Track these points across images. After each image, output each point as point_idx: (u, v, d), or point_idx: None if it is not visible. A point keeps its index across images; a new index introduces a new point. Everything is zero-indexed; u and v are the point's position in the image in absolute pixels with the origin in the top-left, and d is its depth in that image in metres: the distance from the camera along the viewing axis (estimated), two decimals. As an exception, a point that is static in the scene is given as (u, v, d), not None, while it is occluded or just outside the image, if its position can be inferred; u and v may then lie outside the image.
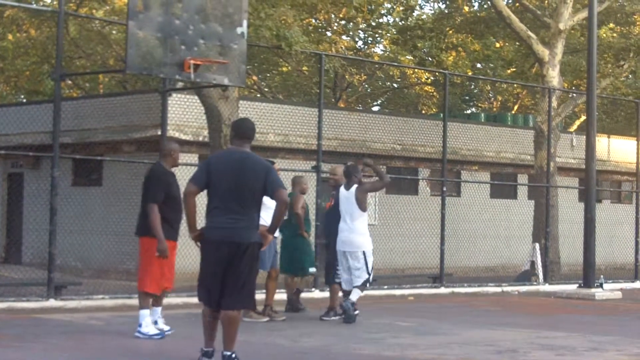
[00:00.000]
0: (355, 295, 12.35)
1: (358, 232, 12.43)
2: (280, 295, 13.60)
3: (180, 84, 16.40)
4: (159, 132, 15.51)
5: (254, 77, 34.42)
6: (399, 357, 9.31)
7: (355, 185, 12.45)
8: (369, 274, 12.49)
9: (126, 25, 12.00)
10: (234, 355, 7.80)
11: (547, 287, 19.57)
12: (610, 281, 20.21)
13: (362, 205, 12.34)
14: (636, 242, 22.23)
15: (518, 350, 10.06)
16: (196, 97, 17.02)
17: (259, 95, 34.43)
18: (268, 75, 38.49)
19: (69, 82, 32.55)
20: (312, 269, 13.46)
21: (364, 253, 12.48)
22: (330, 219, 12.80)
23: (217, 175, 7.80)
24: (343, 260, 12.51)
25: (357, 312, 12.35)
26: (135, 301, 13.15)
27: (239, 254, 7.72)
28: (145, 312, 10.25)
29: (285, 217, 11.70)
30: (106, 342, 10.03)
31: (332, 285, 12.92)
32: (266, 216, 9.07)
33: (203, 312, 7.95)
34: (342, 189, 12.58)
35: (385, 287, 17.96)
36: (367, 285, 12.64)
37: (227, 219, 7.74)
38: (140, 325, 10.23)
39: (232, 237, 7.72)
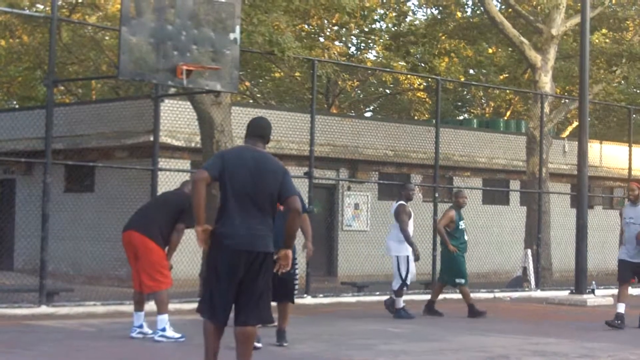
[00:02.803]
0: (396, 302, 14.08)
1: (391, 238, 14.04)
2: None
3: (172, 90, 16.39)
4: (152, 138, 15.50)
5: (247, 83, 34.41)
6: (390, 364, 9.31)
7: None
8: (402, 279, 13.86)
9: (119, 31, 12.00)
10: None
11: (539, 293, 19.58)
12: (602, 287, 20.21)
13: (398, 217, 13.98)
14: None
15: (509, 356, 10.06)
16: (188, 103, 17.01)
17: (251, 101, 34.43)
18: (261, 81, 38.48)
19: (62, 88, 32.49)
20: (459, 280, 14.52)
21: (397, 258, 13.89)
22: None
23: (232, 172, 7.04)
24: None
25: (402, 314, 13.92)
26: (127, 307, 13.19)
27: (256, 265, 6.98)
28: (166, 317, 10.42)
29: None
30: (98, 348, 10.02)
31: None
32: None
33: (206, 328, 7.07)
34: None
35: (378, 293, 17.94)
36: (404, 289, 14.07)
37: (245, 225, 6.97)
38: (164, 330, 10.39)
39: (252, 245, 6.96)
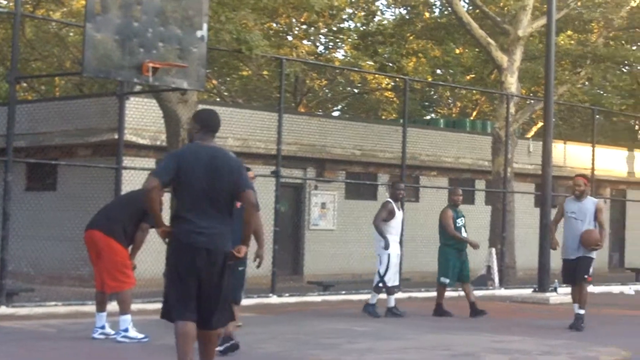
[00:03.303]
0: (370, 297, 14.29)
1: (375, 237, 14.19)
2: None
3: (138, 87, 16.27)
4: (116, 136, 15.38)
5: (214, 81, 34.29)
6: (355, 363, 9.30)
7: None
8: (380, 277, 14.03)
9: (83, 28, 11.88)
10: None
11: (503, 292, 19.69)
12: (565, 285, 20.30)
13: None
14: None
15: (474, 354, 10.11)
16: (154, 101, 16.91)
17: (218, 99, 34.29)
18: (228, 79, 38.35)
19: (24, 84, 32.17)
20: (443, 279, 14.63)
21: (378, 256, 14.09)
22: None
23: (188, 172, 6.90)
24: None
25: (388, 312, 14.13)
26: (89, 308, 13.08)
27: (217, 265, 6.84)
28: (128, 317, 10.34)
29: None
30: (59, 349, 9.92)
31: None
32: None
33: (180, 332, 6.85)
34: None
35: (343, 292, 17.97)
36: (381, 288, 14.10)
37: (204, 224, 6.85)
38: (126, 330, 10.30)
39: (211, 244, 6.83)
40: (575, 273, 12.81)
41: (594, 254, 12.88)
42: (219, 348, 8.61)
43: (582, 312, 12.81)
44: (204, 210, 6.88)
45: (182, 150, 7.32)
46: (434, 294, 19.05)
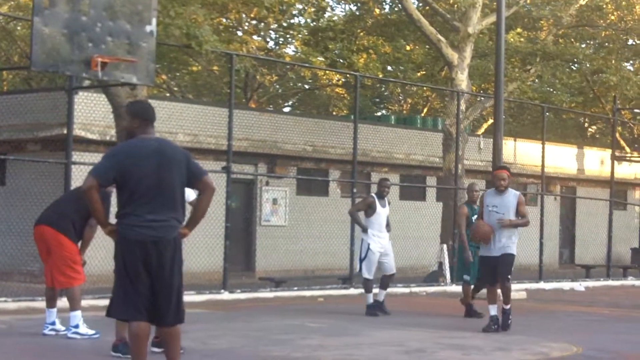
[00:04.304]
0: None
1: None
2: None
3: (87, 82, 16.10)
4: (65, 131, 15.20)
5: (163, 76, 34.03)
6: (308, 359, 9.28)
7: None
8: (360, 262, 14.20)
9: (31, 21, 11.72)
10: None
11: (454, 288, 19.76)
12: (515, 282, 20.52)
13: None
14: (541, 244, 22.66)
15: (426, 350, 10.13)
16: (103, 96, 16.74)
17: (168, 94, 34.05)
18: (178, 74, 38.11)
19: (-28, 79, 31.75)
20: (465, 277, 14.14)
21: (361, 242, 14.20)
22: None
23: (134, 168, 6.72)
24: None
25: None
26: (39, 304, 12.92)
27: (167, 256, 6.69)
28: (79, 313, 10.26)
29: None
30: (9, 345, 9.78)
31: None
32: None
33: (133, 332, 6.71)
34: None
35: (295, 288, 17.94)
36: (369, 283, 14.14)
37: (151, 217, 6.69)
38: (77, 326, 10.22)
39: (157, 235, 6.66)
40: (496, 271, 12.00)
41: (515, 250, 12.10)
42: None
43: (508, 307, 12.11)
44: (151, 203, 6.73)
45: (123, 147, 7.03)
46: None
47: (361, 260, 14.18)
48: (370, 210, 14.20)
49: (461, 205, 14.69)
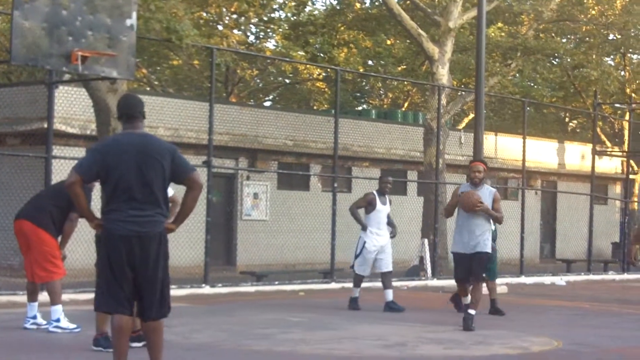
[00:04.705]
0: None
1: None
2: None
3: (67, 76, 16.02)
4: (45, 125, 15.13)
5: (144, 70, 33.92)
6: (289, 353, 9.29)
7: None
8: (355, 258, 13.99)
9: (11, 15, 11.65)
10: None
11: (435, 282, 19.84)
12: (497, 276, 20.59)
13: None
14: (521, 238, 22.74)
15: (407, 344, 10.16)
16: (84, 90, 16.66)
17: (148, 88, 33.95)
18: (158, 68, 38.00)
19: (-49, 72, 31.50)
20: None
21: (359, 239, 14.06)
22: None
23: (118, 165, 6.74)
24: None
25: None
26: (20, 298, 12.88)
27: (151, 251, 6.72)
28: (59, 307, 10.27)
29: None
30: (-12, 340, 9.73)
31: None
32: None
33: (115, 325, 6.73)
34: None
35: (276, 282, 17.94)
36: (354, 270, 14.00)
37: (135, 212, 6.71)
38: (58, 320, 10.23)
39: (142, 230, 6.69)
40: (471, 270, 11.66)
41: (489, 247, 11.76)
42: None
43: (473, 312, 11.50)
44: (135, 198, 6.74)
45: (106, 144, 7.06)
46: (367, 284, 19.11)
47: (356, 257, 14.01)
48: (370, 207, 14.02)
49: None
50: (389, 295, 14.00)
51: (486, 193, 11.87)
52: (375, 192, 14.18)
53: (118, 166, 6.76)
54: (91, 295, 7.08)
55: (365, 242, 13.92)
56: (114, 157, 6.79)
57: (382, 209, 14.07)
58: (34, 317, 10.52)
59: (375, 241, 13.95)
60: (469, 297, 11.93)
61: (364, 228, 13.95)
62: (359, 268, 13.98)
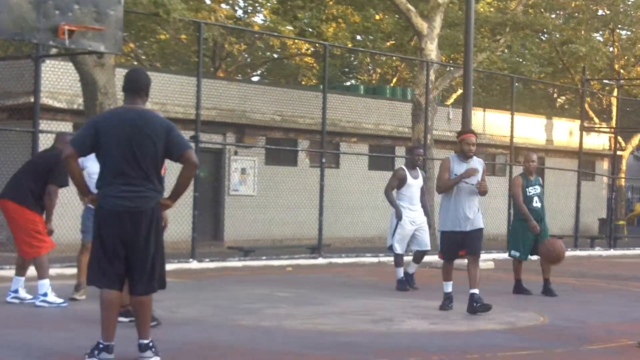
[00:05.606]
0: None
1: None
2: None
3: (54, 50, 15.92)
4: (32, 100, 15.08)
5: (131, 45, 33.76)
6: (276, 328, 9.31)
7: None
8: (391, 238, 13.58)
9: (-3, -12, 11.55)
10: (151, 344, 6.87)
11: (425, 258, 19.82)
12: (484, 252, 20.63)
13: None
14: (509, 214, 22.78)
15: (393, 318, 10.19)
16: (71, 64, 16.57)
17: (135, 63, 33.81)
18: (145, 42, 37.81)
19: (-64, 47, 31.26)
20: (513, 252, 13.61)
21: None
22: None
23: (109, 139, 6.74)
24: None
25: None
26: (7, 272, 12.86)
27: (142, 227, 6.73)
28: (47, 282, 10.32)
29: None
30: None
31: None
32: None
33: (104, 299, 6.76)
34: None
35: (264, 257, 17.96)
36: (398, 258, 13.60)
37: (128, 187, 6.71)
38: (45, 295, 10.28)
39: (135, 206, 6.70)
40: (463, 247, 11.12)
41: (483, 223, 11.19)
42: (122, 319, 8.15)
43: (476, 291, 10.94)
44: (128, 174, 6.74)
45: (101, 117, 7.10)
46: (354, 259, 19.20)
47: (392, 235, 13.50)
48: (401, 182, 13.48)
49: (516, 177, 13.72)
50: (413, 268, 13.82)
51: (477, 164, 11.26)
52: (404, 167, 13.67)
53: (111, 139, 6.76)
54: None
55: (397, 222, 13.44)
56: (106, 131, 6.79)
57: (414, 183, 13.49)
58: (16, 291, 10.62)
59: (409, 217, 13.44)
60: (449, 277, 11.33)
61: (399, 216, 13.38)
62: (397, 247, 13.49)
